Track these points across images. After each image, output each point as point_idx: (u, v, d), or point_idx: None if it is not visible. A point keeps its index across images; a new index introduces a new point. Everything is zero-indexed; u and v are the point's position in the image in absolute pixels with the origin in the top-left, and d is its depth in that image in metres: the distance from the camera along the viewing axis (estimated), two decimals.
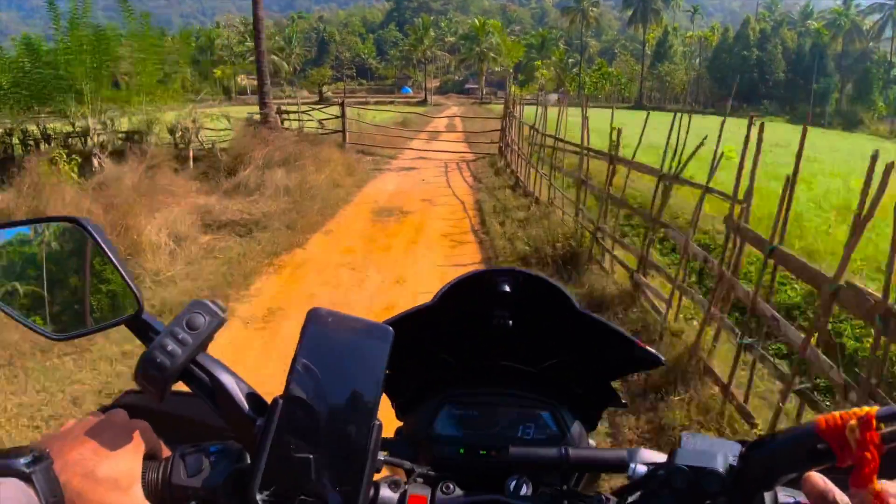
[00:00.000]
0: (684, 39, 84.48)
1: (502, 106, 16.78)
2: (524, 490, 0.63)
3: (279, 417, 0.51)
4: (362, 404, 0.52)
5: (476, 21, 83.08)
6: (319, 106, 16.14)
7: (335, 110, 15.81)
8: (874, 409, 0.45)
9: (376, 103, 66.99)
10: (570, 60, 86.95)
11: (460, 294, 0.68)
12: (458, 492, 0.61)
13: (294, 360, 0.52)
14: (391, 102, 67.77)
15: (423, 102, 68.84)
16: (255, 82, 14.89)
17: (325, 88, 78.11)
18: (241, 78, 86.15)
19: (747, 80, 68.75)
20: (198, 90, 20.33)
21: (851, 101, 60.55)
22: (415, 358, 0.73)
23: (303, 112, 15.73)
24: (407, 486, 0.59)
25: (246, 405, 0.54)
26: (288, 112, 15.74)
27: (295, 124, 15.58)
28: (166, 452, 0.56)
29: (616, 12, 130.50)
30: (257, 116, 14.84)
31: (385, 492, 0.58)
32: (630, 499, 0.58)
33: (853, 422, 0.45)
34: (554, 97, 79.25)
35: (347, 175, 11.49)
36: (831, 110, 61.59)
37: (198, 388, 0.55)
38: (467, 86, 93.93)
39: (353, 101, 72.89)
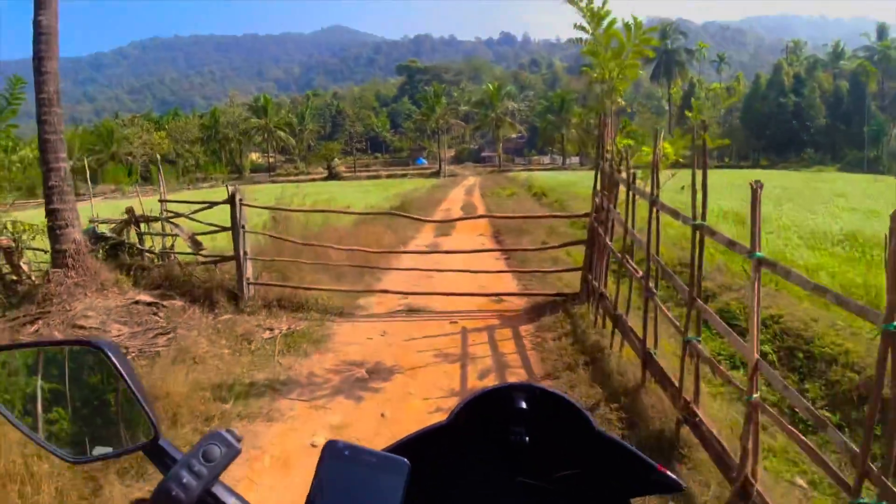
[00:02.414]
0: (708, 92, 78.43)
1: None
2: None
3: None
4: None
5: (490, 86, 78.10)
6: (198, 206, 7.41)
7: (219, 215, 7.03)
8: None
9: (388, 177, 60.91)
10: (591, 121, 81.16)
11: (476, 411, 0.66)
12: None
13: (309, 496, 0.52)
14: (404, 175, 61.87)
15: (438, 173, 63.02)
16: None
17: (335, 162, 72.82)
18: (255, 155, 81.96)
19: (786, 129, 61.72)
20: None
21: None
22: (429, 481, 0.66)
23: (167, 219, 7.78)
24: None
25: None
26: (148, 220, 7.91)
27: (159, 244, 7.76)
28: None
29: None
30: (103, 228, 7.25)
31: None
32: None
33: None
34: (575, 160, 73.41)
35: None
36: (879, 154, 53.21)
37: None
38: (483, 154, 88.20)
39: (366, 174, 67.98)
